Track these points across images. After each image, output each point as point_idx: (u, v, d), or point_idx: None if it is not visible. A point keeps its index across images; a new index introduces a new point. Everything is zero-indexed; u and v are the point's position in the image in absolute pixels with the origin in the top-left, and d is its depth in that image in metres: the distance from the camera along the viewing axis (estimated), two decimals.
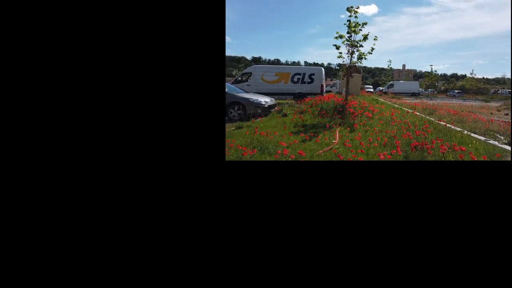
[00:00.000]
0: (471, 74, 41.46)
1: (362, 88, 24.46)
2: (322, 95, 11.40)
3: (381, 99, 15.79)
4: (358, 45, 6.77)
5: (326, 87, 16.64)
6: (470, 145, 4.00)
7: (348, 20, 6.65)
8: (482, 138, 4.81)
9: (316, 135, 4.54)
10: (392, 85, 32.05)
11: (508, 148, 4.01)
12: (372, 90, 32.48)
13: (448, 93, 37.15)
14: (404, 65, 56.96)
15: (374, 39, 6.97)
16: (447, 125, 5.73)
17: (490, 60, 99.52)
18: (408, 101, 15.94)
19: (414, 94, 30.31)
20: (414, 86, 32.88)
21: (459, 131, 5.14)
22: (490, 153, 3.47)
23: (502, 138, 4.90)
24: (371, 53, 6.90)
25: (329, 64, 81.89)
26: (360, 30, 6.64)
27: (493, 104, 19.03)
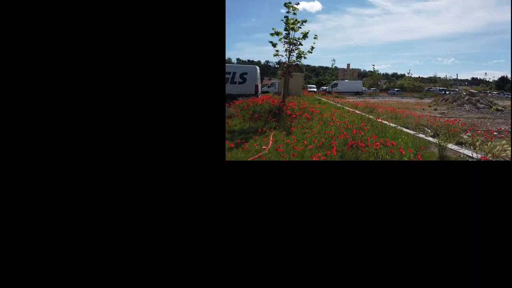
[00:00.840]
0: (408, 73, 46.67)
1: (305, 88, 25.19)
2: (257, 97, 10.82)
3: (324, 99, 16.62)
4: (298, 43, 6.78)
5: (263, 87, 16.14)
6: (400, 140, 4.42)
7: (285, 17, 6.56)
8: (412, 132, 5.38)
9: (244, 141, 4.26)
10: (336, 85, 33.74)
11: (432, 139, 4.54)
12: (315, 89, 33.89)
13: (389, 92, 40.56)
14: (348, 65, 61.31)
15: (314, 38, 7.06)
16: (383, 122, 6.21)
17: (425, 61, 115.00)
18: (351, 100, 16.96)
19: (358, 93, 32.34)
20: (358, 85, 35.09)
21: (393, 127, 5.62)
22: (416, 145, 4.03)
23: (429, 131, 5.52)
24: (311, 52, 7.02)
25: (267, 62, 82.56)
26: (299, 27, 6.62)
27: (426, 100, 21.23)
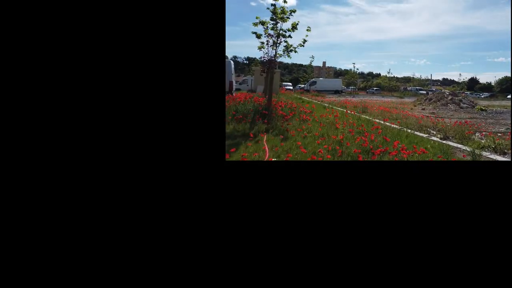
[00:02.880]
0: (388, 73, 49.41)
1: (281, 86, 24.96)
2: (232, 95, 10.29)
3: (305, 98, 16.35)
4: (287, 35, 6.30)
5: (235, 84, 15.66)
6: (419, 144, 4.16)
7: (273, 5, 6.05)
8: (424, 135, 5.29)
9: (235, 149, 3.72)
10: (314, 83, 33.99)
11: (459, 146, 4.41)
12: (291, 87, 33.30)
13: (367, 91, 42.19)
14: (324, 62, 62.13)
15: (307, 30, 6.54)
16: (384, 123, 6.07)
17: (399, 61, 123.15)
18: (334, 99, 16.94)
19: (337, 92, 32.89)
20: (337, 83, 35.73)
21: (402, 130, 5.41)
22: (443, 151, 3.84)
23: (434, 132, 5.59)
24: (302, 46, 6.48)
25: (235, 57, 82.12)
26: (288, 18, 6.17)
27: (407, 100, 22.23)
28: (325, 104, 11.39)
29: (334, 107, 9.80)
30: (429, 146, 4.12)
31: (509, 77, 48.63)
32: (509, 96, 36.30)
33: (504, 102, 22.62)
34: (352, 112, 7.93)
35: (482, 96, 36.13)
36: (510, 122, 8.03)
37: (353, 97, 24.48)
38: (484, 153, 3.95)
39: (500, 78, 52.14)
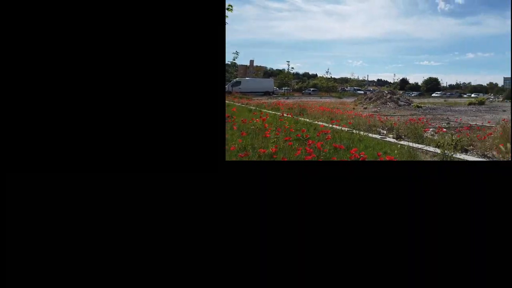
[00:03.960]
0: (327, 73, 52.52)
1: None
2: None
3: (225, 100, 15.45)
4: None
5: None
6: (376, 149, 4.00)
7: None
8: (377, 136, 5.31)
9: None
10: (238, 83, 31.79)
11: (415, 145, 4.48)
12: None
13: (303, 92, 43.83)
14: (252, 61, 61.87)
15: (228, 9, 5.45)
16: (330, 125, 5.79)
17: (336, 61, 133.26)
18: (263, 101, 16.19)
19: (267, 93, 31.43)
20: (268, 84, 34.40)
21: (351, 132, 5.04)
22: (410, 156, 3.79)
23: (385, 132, 5.86)
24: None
25: None
26: None
27: (347, 100, 23.20)
28: (251, 107, 10.48)
29: (264, 110, 8.96)
30: (396, 152, 3.83)
31: (433, 78, 66.27)
32: (434, 94, 48.46)
33: (431, 100, 28.20)
34: (289, 115, 7.23)
35: (412, 95, 41.18)
36: (446, 118, 9.44)
37: (287, 98, 24.36)
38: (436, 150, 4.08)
39: (426, 79, 66.81)
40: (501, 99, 30.72)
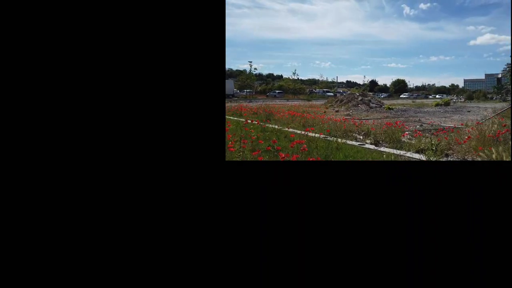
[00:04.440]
0: (294, 74, 52.26)
1: None
2: None
3: None
4: None
5: None
6: (357, 158, 4.01)
7: None
8: (355, 143, 5.29)
9: None
10: None
11: (395, 151, 4.51)
12: None
13: (268, 94, 43.47)
14: None
15: None
16: (303, 132, 5.66)
17: (303, 62, 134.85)
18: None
19: (227, 96, 30.83)
20: (228, 86, 33.30)
21: (327, 140, 4.96)
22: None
23: (361, 137, 5.84)
24: None
25: None
26: None
27: (316, 102, 23.45)
28: None
29: (226, 116, 8.68)
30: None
31: (401, 80, 70.42)
32: (402, 96, 51.49)
33: (400, 101, 30.86)
34: (255, 122, 6.73)
35: (382, 96, 42.81)
36: (418, 119, 9.71)
37: (249, 101, 23.88)
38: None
39: (394, 80, 71.08)
40: (463, 100, 36.14)
